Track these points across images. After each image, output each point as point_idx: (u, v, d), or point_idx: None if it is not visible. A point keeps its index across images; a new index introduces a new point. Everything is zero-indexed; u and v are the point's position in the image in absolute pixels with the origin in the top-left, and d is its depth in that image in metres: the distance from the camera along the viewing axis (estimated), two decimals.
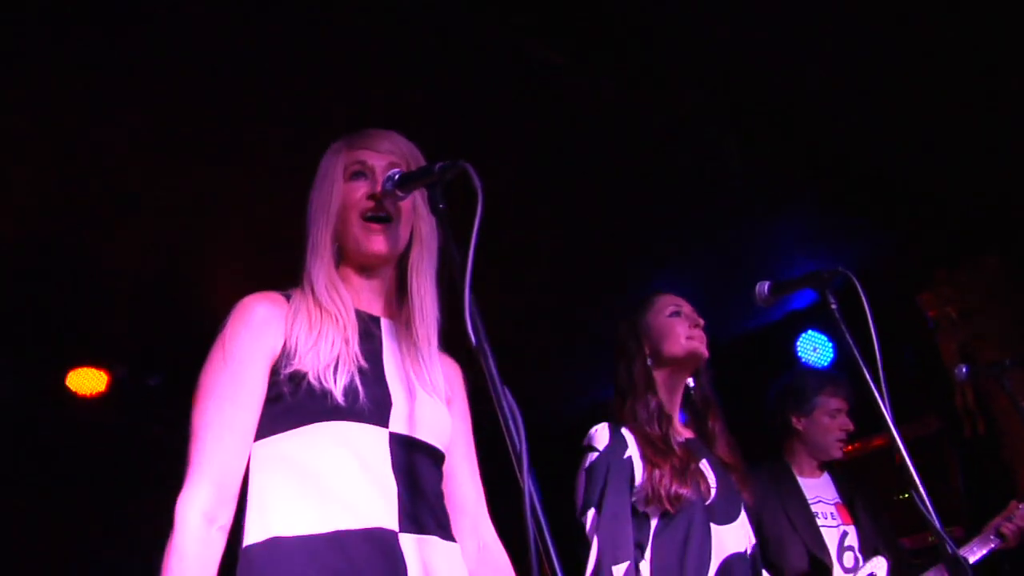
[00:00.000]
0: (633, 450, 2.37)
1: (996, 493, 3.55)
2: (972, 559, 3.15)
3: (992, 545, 3.17)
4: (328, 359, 1.60)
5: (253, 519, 1.56)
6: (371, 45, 3.14)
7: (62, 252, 4.22)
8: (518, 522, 1.16)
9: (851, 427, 3.22)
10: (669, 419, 2.46)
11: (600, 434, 2.41)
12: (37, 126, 3.41)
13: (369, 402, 1.60)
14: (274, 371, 1.63)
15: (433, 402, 1.72)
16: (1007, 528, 3.17)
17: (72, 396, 4.79)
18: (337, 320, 1.66)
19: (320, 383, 1.58)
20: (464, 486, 1.82)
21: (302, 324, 1.65)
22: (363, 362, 1.64)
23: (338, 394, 1.57)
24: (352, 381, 1.60)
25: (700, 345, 2.49)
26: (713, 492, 2.39)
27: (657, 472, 2.31)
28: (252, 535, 1.55)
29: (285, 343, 1.63)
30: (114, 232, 4.09)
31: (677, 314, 2.53)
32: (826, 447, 3.21)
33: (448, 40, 3.09)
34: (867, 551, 3.09)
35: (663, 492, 2.29)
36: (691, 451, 2.43)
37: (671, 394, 2.52)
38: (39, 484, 4.77)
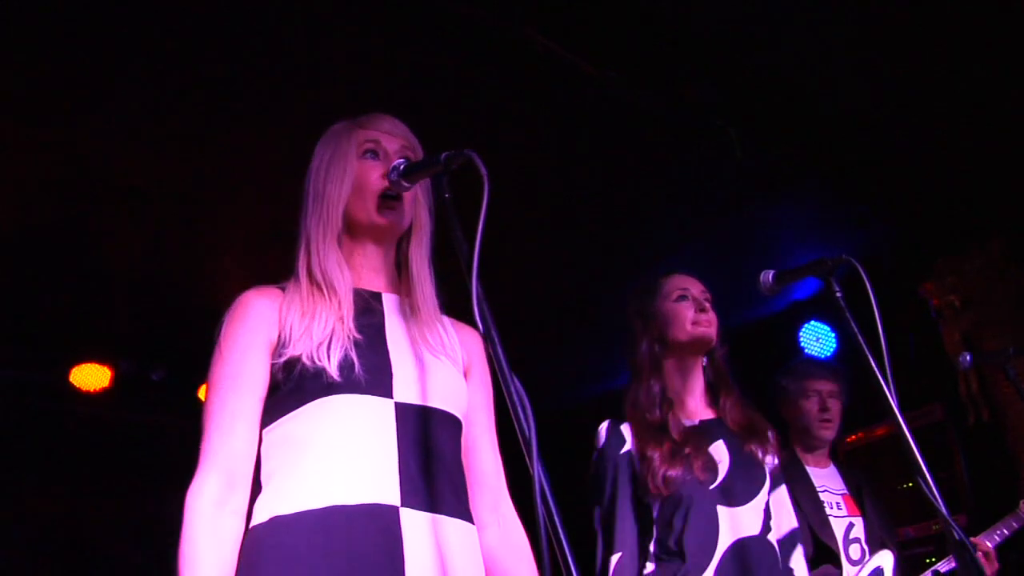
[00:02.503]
0: (630, 444, 2.38)
1: (1000, 481, 3.57)
2: (995, 543, 3.19)
3: (1016, 525, 3.21)
4: (321, 337, 1.61)
5: (259, 503, 1.58)
6: (377, 38, 3.13)
7: (65, 248, 4.23)
8: (529, 509, 1.16)
9: (831, 408, 3.23)
10: (671, 403, 2.42)
11: (600, 432, 2.45)
12: (40, 121, 3.41)
13: (366, 373, 1.60)
14: (282, 365, 1.64)
15: (445, 367, 1.70)
16: (1017, 521, 3.21)
17: (76, 391, 4.80)
18: (331, 300, 1.67)
19: (314, 362, 1.59)
20: (483, 459, 1.79)
21: (295, 311, 1.66)
22: (359, 335, 1.64)
23: (333, 369, 1.58)
24: (347, 355, 1.60)
25: (707, 330, 2.43)
26: (723, 474, 2.35)
27: (648, 456, 2.32)
28: (257, 517, 1.57)
29: (280, 333, 1.65)
30: (117, 228, 4.10)
31: (683, 298, 2.48)
32: (810, 428, 3.23)
33: (454, 33, 3.08)
34: (873, 543, 3.10)
35: (652, 476, 2.29)
36: (698, 434, 2.39)
37: (684, 377, 2.48)
38: (44, 479, 4.78)
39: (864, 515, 3.16)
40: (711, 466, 2.35)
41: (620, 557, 2.27)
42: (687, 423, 2.42)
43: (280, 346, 1.64)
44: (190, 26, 3.01)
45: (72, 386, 4.80)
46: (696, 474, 2.30)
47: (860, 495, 3.22)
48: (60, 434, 4.92)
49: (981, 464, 4.29)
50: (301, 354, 1.60)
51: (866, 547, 3.10)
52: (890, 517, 3.32)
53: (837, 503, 3.18)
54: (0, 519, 4.59)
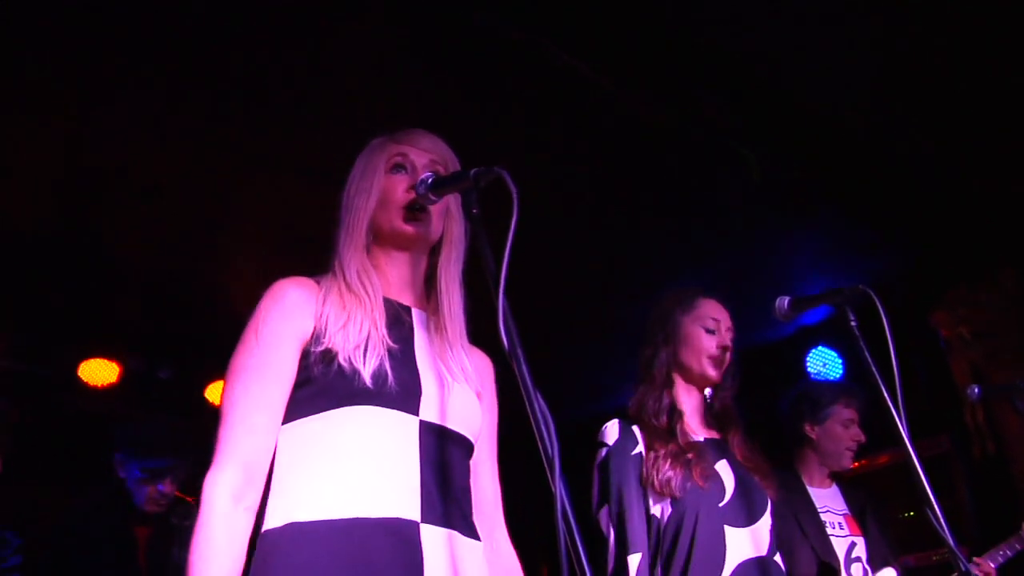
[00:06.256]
0: (642, 447, 2.37)
1: (1003, 514, 3.56)
2: (997, 563, 3.21)
3: (1019, 547, 3.22)
4: (357, 340, 1.60)
5: (274, 504, 1.56)
6: (395, 44, 3.14)
7: (77, 244, 4.24)
8: (549, 525, 1.17)
9: (863, 438, 3.25)
10: (680, 416, 2.43)
11: (610, 430, 2.43)
12: (51, 118, 3.42)
13: (398, 387, 1.60)
14: (304, 354, 1.63)
15: (464, 391, 1.71)
16: (1021, 544, 3.23)
17: (84, 386, 4.81)
18: (366, 305, 1.66)
19: (350, 363, 1.57)
20: (484, 485, 1.81)
21: (332, 306, 1.65)
22: (393, 344, 1.64)
23: (367, 376, 1.57)
24: (382, 364, 1.59)
25: (716, 371, 2.47)
26: (729, 493, 2.35)
27: (653, 455, 2.32)
28: (272, 519, 1.55)
29: (315, 326, 1.64)
30: (129, 225, 4.11)
31: (712, 332, 2.49)
32: (838, 456, 3.24)
33: (475, 48, 3.10)
34: (876, 563, 3.10)
35: (657, 475, 2.28)
36: (705, 450, 2.39)
37: (688, 397, 2.51)
38: (50, 472, 4.78)
39: (866, 535, 3.16)
40: (716, 480, 2.35)
41: (641, 558, 2.25)
42: (693, 437, 2.43)
43: (316, 338, 1.62)
44: (202, 22, 3.01)
45: (80, 380, 4.81)
46: (696, 480, 2.29)
47: (863, 515, 3.22)
48: (67, 427, 4.93)
49: (984, 496, 4.28)
50: (339, 352, 1.59)
51: (868, 567, 3.10)
52: (893, 537, 3.32)
53: (839, 523, 3.18)
54: (2, 510, 4.59)
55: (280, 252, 3.63)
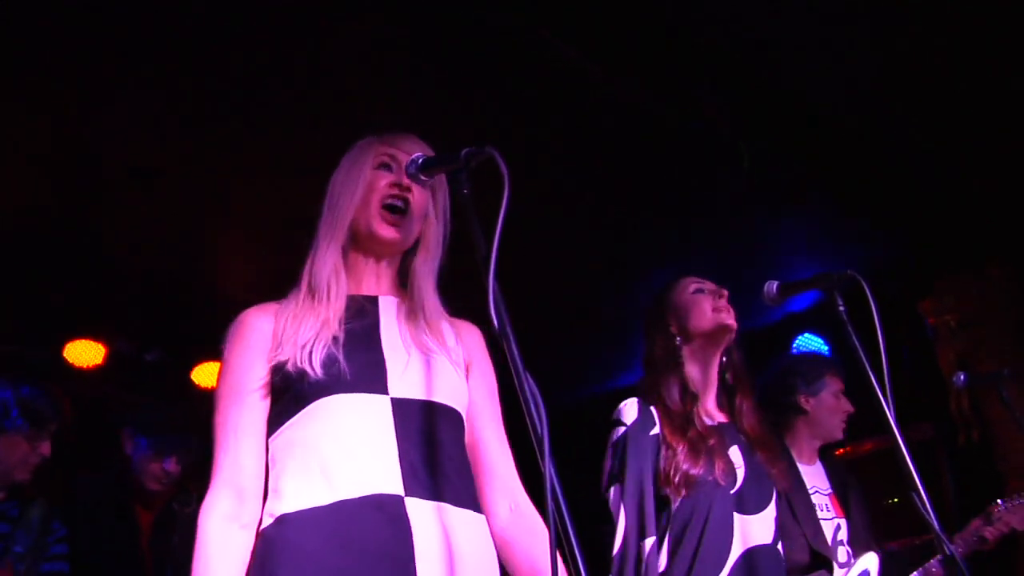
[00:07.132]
0: (659, 427, 2.35)
1: (986, 502, 3.59)
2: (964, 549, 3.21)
3: (974, 547, 3.22)
4: (304, 340, 1.66)
5: (267, 507, 1.62)
6: (388, 36, 3.14)
7: (65, 225, 4.22)
8: (539, 506, 1.18)
9: (852, 409, 3.22)
10: (695, 397, 2.40)
11: (628, 409, 2.39)
12: (43, 104, 3.41)
13: (356, 371, 1.64)
14: (270, 371, 1.70)
15: (442, 363, 1.73)
16: (988, 533, 3.21)
17: (70, 367, 4.79)
18: (323, 305, 1.71)
19: (296, 365, 1.64)
20: (492, 451, 1.81)
21: (289, 319, 1.72)
22: (346, 336, 1.68)
23: (317, 369, 1.62)
24: (331, 353, 1.65)
25: (727, 316, 2.42)
26: (740, 480, 2.34)
27: (671, 451, 2.29)
28: (265, 520, 1.61)
29: (276, 342, 1.71)
30: (117, 207, 4.10)
31: (700, 291, 2.48)
32: (831, 428, 3.21)
33: (480, 48, 3.11)
34: (857, 546, 3.09)
35: (675, 472, 2.26)
36: (718, 435, 2.37)
37: (703, 372, 2.46)
38: None
39: (848, 517, 3.15)
40: (730, 469, 2.33)
41: (654, 542, 2.24)
42: (707, 421, 2.40)
43: (275, 351, 1.70)
44: (202, 22, 3.02)
45: (66, 362, 4.78)
46: (717, 475, 2.28)
47: (846, 494, 3.20)
48: None
49: (968, 484, 4.31)
50: (288, 358, 1.65)
51: (850, 549, 3.09)
52: (874, 520, 3.32)
53: (826, 504, 3.14)
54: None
55: (269, 239, 3.63)
